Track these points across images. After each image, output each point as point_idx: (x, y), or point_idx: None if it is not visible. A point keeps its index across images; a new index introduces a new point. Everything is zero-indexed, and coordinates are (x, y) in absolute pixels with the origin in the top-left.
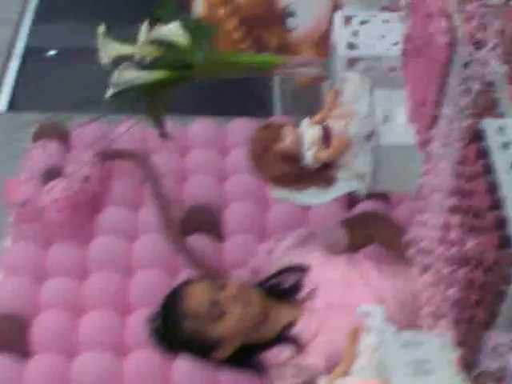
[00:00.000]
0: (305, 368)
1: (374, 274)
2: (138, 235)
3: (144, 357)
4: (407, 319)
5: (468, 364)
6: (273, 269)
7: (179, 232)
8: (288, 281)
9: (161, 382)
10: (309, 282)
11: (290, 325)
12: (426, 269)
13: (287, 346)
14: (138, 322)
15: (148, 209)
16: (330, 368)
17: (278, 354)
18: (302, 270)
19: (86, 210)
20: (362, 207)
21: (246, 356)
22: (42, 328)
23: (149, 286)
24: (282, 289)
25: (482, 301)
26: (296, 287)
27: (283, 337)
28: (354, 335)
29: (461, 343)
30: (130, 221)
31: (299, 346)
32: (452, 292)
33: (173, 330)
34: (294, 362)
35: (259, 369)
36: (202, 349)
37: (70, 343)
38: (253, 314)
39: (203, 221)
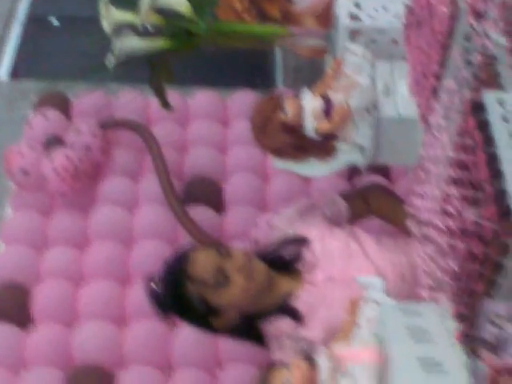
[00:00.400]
0: (303, 340)
1: (374, 248)
2: (139, 205)
3: (144, 327)
4: (406, 293)
5: (466, 336)
6: (273, 240)
7: (180, 202)
8: (289, 252)
9: (161, 351)
10: (309, 254)
11: (290, 296)
12: (425, 240)
13: (287, 317)
14: (139, 293)
15: (149, 179)
16: (328, 341)
17: (278, 325)
18: (302, 241)
19: (87, 180)
20: (362, 180)
21: (246, 326)
22: (43, 297)
23: (149, 256)
24: (283, 260)
25: (481, 273)
26: (296, 259)
27: (283, 308)
28: (353, 307)
29: (459, 315)
30: (131, 191)
31: (298, 317)
32: (451, 264)
33: (175, 293)
34: (293, 334)
35: (259, 339)
36: (202, 315)
37: (71, 312)
38: (257, 284)
39: (204, 192)
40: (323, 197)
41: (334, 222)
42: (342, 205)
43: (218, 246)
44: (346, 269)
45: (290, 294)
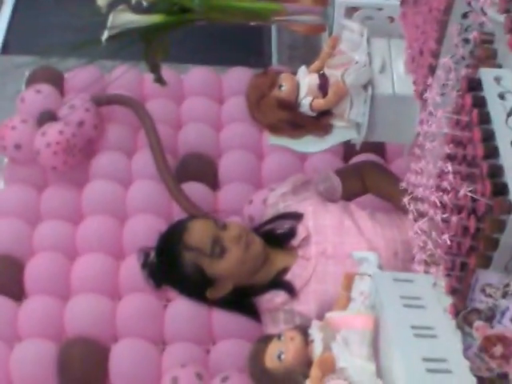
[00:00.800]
0: (297, 314)
1: (368, 224)
2: (133, 180)
3: (138, 300)
4: (399, 269)
5: (460, 311)
6: (268, 215)
7: (174, 179)
8: (283, 228)
9: (154, 325)
10: (303, 229)
11: (284, 271)
12: (419, 216)
13: (280, 291)
14: (132, 267)
15: (143, 155)
16: (321, 315)
17: (272, 299)
18: (296, 216)
19: (80, 155)
20: (357, 159)
21: (239, 299)
22: (36, 270)
23: (142, 232)
24: (277, 235)
25: (475, 248)
26: (290, 234)
27: (277, 282)
28: (348, 280)
29: (453, 289)
30: (125, 166)
31: (292, 291)
32: (445, 239)
33: (170, 262)
34: (286, 308)
35: (252, 312)
36: (196, 285)
37: (64, 286)
38: (252, 256)
39: (198, 169)
40: (317, 173)
41: (328, 198)
42: (336, 181)
43: (215, 218)
44: (340, 244)
45: (284, 268)
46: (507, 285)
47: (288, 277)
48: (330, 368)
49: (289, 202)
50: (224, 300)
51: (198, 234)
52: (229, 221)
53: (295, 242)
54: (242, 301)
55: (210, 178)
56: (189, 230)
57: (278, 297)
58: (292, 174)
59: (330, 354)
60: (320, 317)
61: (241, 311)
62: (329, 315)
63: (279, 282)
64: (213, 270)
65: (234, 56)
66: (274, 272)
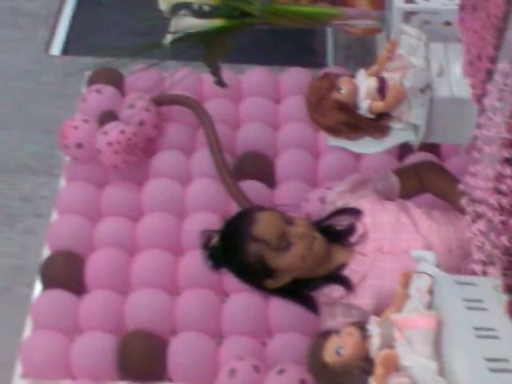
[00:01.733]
0: (354, 307)
1: (424, 221)
2: (192, 179)
3: (196, 295)
4: (454, 266)
5: None
6: (326, 212)
7: (232, 177)
8: (342, 223)
9: (212, 319)
10: (361, 226)
11: (342, 266)
12: (477, 217)
13: (338, 285)
14: (191, 263)
15: (202, 154)
16: (378, 309)
17: (330, 293)
18: (355, 212)
19: (140, 154)
20: (412, 159)
21: (297, 290)
22: (97, 265)
23: (201, 229)
24: (336, 231)
25: None
26: (349, 230)
27: (334, 276)
28: (406, 278)
29: (510, 288)
30: (184, 165)
31: (349, 286)
32: (503, 240)
33: (236, 248)
34: (344, 301)
35: (310, 305)
36: (256, 274)
37: (124, 280)
38: (315, 254)
39: (256, 167)
40: (375, 172)
41: (386, 196)
42: (394, 179)
43: (282, 212)
44: (396, 241)
45: (342, 264)
46: None
47: (346, 272)
48: (393, 366)
49: (347, 200)
50: (281, 290)
51: (266, 226)
52: (295, 216)
53: (353, 238)
54: (300, 292)
55: (267, 177)
56: (257, 221)
57: (335, 291)
58: (347, 173)
59: (393, 352)
60: (377, 311)
61: (298, 302)
62: (393, 316)
63: (337, 277)
64: (275, 262)
65: (289, 56)
66: (332, 267)
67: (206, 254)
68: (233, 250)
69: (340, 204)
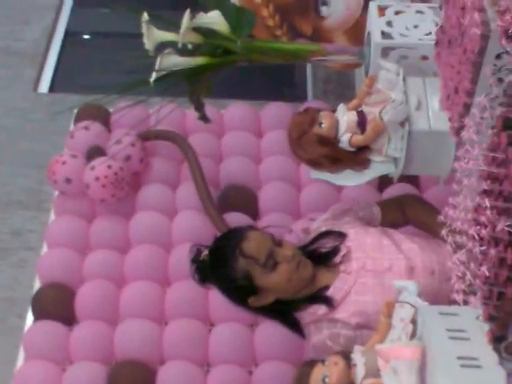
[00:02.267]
0: (338, 321)
1: (407, 244)
2: (177, 212)
3: (183, 325)
4: (436, 288)
5: (498, 337)
6: (311, 236)
7: (217, 209)
8: (326, 246)
9: (199, 348)
10: (344, 247)
11: (326, 287)
12: (457, 248)
13: (322, 304)
14: (177, 293)
15: (187, 187)
16: (361, 323)
17: (315, 312)
18: (339, 235)
19: (127, 188)
20: (392, 190)
21: (281, 310)
22: (87, 297)
23: (187, 260)
24: (321, 253)
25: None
26: (333, 252)
27: (317, 296)
28: (388, 308)
29: (491, 318)
30: (169, 198)
31: (332, 305)
32: (483, 270)
33: (224, 263)
34: (328, 317)
35: (292, 325)
36: (241, 290)
37: (113, 311)
38: (301, 277)
39: (239, 199)
40: (357, 202)
41: (367, 224)
42: (376, 209)
43: (272, 234)
44: (379, 259)
45: (326, 285)
46: None
47: (329, 292)
48: None
49: (330, 227)
50: (265, 308)
51: (256, 243)
52: (284, 239)
53: (337, 259)
54: (283, 312)
55: (251, 209)
56: (248, 239)
57: (320, 309)
58: (329, 204)
59: (378, 381)
60: (359, 324)
61: (281, 321)
62: (378, 347)
63: (320, 297)
64: (262, 280)
65: (270, 91)
66: (316, 289)
67: (193, 268)
68: (221, 264)
69: (324, 230)
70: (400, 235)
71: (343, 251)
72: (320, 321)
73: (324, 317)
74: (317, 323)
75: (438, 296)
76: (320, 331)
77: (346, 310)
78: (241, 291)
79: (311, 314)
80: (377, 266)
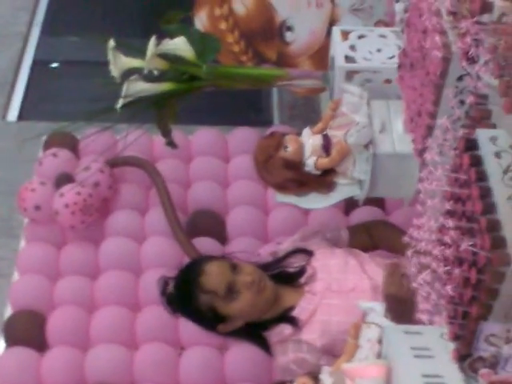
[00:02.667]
0: (304, 342)
1: (371, 264)
2: (146, 237)
3: (153, 350)
4: (400, 307)
5: (463, 356)
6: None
7: (186, 234)
8: (292, 266)
9: (169, 373)
10: (310, 268)
11: (293, 307)
12: (422, 268)
13: (287, 324)
14: (147, 318)
15: (155, 212)
16: (326, 344)
17: (281, 332)
18: (305, 253)
19: (96, 214)
20: (358, 213)
21: (250, 332)
22: (58, 323)
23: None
24: (286, 274)
25: (477, 298)
26: (299, 273)
27: (284, 317)
28: (356, 329)
29: (456, 336)
30: (138, 223)
31: (298, 325)
32: (448, 290)
33: (187, 299)
34: (294, 338)
35: (262, 344)
36: (209, 320)
37: (84, 337)
38: (263, 300)
39: (207, 224)
40: (325, 225)
41: (334, 245)
42: (344, 232)
43: (230, 260)
44: (344, 280)
45: (291, 305)
46: (508, 330)
47: (295, 312)
48: None
49: (298, 246)
50: (235, 332)
51: (214, 278)
52: (242, 263)
53: (302, 279)
54: (252, 333)
55: (219, 233)
56: (205, 274)
57: (286, 329)
58: (296, 227)
59: None
60: (324, 345)
61: (251, 341)
62: (344, 366)
63: (286, 317)
64: (225, 310)
65: (237, 116)
66: (282, 309)
67: (163, 301)
68: (185, 299)
69: (291, 248)
70: (364, 254)
71: (309, 272)
72: (286, 341)
73: (290, 337)
74: (283, 343)
75: (402, 315)
76: (286, 353)
77: (312, 332)
78: (208, 321)
79: (277, 333)
80: (342, 287)
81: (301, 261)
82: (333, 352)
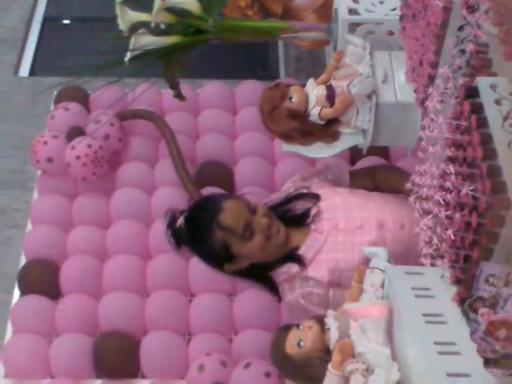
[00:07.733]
0: (311, 279)
1: (376, 199)
2: (156, 188)
3: (164, 297)
4: (406, 241)
5: (464, 299)
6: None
7: (194, 184)
8: (299, 207)
9: (180, 318)
10: (315, 209)
11: (298, 247)
12: (424, 214)
13: (294, 263)
14: (158, 266)
15: (164, 164)
16: (332, 280)
17: (289, 270)
18: (312, 196)
19: (107, 166)
20: (363, 162)
21: (256, 272)
22: (70, 272)
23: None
24: (294, 216)
25: (478, 241)
26: (305, 214)
27: (290, 256)
28: (359, 274)
29: (457, 280)
30: (148, 175)
31: (304, 263)
32: (449, 234)
33: (201, 233)
34: (302, 275)
35: (268, 284)
36: (217, 257)
37: (96, 285)
38: (276, 244)
39: (216, 175)
40: (326, 166)
41: (336, 184)
42: (345, 174)
43: (246, 200)
44: (350, 218)
45: (298, 245)
46: (508, 274)
47: (301, 250)
48: (349, 353)
49: (299, 186)
50: (241, 272)
51: (233, 216)
52: (258, 204)
53: (309, 220)
54: (258, 273)
55: (227, 183)
56: (224, 211)
57: (293, 268)
58: None
59: (349, 340)
60: (331, 282)
61: (256, 281)
62: (347, 306)
63: (293, 256)
64: (239, 249)
65: (244, 70)
66: (288, 249)
67: (169, 233)
68: (198, 234)
69: (293, 190)
70: (367, 192)
71: (314, 211)
72: (293, 279)
73: (297, 275)
74: (290, 282)
75: (408, 250)
76: (293, 290)
77: (318, 268)
78: (217, 258)
79: (284, 272)
80: (348, 225)
81: (308, 203)
82: (340, 285)
